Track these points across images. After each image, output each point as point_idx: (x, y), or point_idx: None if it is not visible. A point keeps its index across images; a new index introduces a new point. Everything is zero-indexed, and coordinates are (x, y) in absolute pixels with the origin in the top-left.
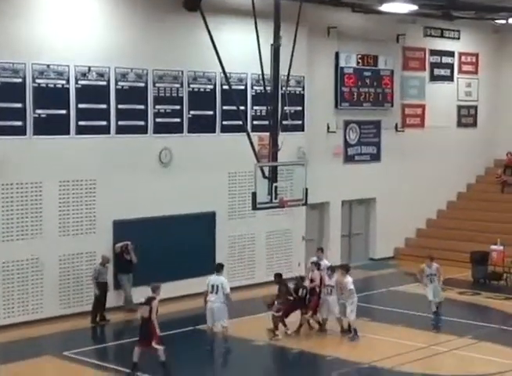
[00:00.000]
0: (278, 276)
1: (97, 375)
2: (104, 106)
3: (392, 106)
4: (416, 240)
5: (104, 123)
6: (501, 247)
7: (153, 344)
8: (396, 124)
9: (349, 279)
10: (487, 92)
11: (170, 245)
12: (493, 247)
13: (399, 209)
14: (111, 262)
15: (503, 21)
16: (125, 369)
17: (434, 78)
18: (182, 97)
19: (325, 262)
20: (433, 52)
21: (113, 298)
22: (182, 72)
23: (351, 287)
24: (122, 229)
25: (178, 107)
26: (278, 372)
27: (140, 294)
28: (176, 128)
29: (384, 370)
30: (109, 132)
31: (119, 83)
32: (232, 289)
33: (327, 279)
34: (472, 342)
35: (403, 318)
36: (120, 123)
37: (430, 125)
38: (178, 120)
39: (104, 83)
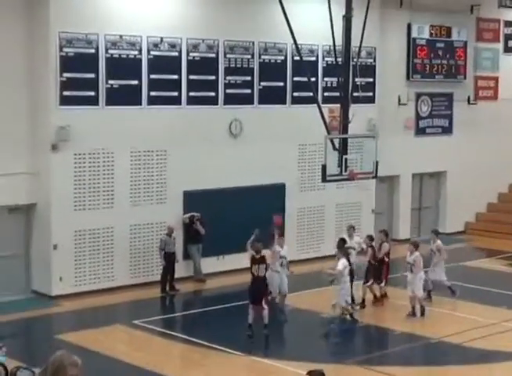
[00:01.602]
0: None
1: (166, 343)
2: (175, 76)
3: (465, 78)
4: (487, 215)
5: (175, 94)
6: None
7: (263, 303)
8: (469, 97)
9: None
10: None
11: (239, 217)
12: None
13: (470, 183)
14: (179, 232)
15: None
16: (194, 338)
17: (508, 50)
18: (253, 68)
19: (357, 239)
20: (508, 23)
21: (182, 268)
22: (253, 43)
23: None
24: (192, 199)
25: (248, 78)
26: (350, 346)
27: (209, 264)
28: (247, 100)
29: (453, 346)
30: (180, 103)
31: (190, 54)
32: (301, 261)
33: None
34: None
35: (474, 293)
36: (191, 94)
37: (504, 98)
38: (248, 91)
39: (176, 54)
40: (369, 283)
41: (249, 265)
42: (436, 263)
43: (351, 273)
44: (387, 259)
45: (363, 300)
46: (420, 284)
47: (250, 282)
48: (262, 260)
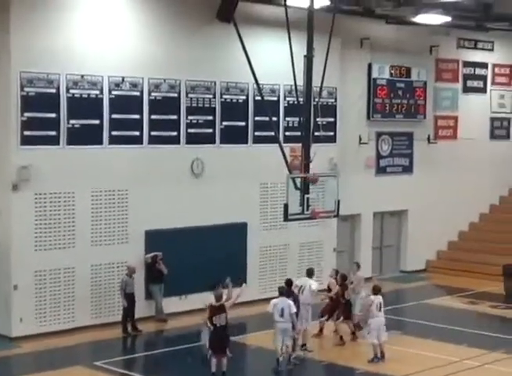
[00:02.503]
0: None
1: None
2: (137, 116)
3: (425, 117)
4: (447, 253)
5: (137, 133)
6: None
7: (228, 352)
8: (429, 136)
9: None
10: None
11: (201, 256)
12: None
13: (431, 221)
14: (141, 272)
15: None
16: None
17: (467, 90)
18: (215, 108)
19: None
20: (466, 64)
21: (144, 308)
22: (215, 83)
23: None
24: (154, 239)
25: (210, 118)
26: None
27: (171, 304)
28: (208, 139)
29: None
30: (141, 143)
31: (152, 93)
32: (263, 300)
33: None
34: (505, 357)
35: (435, 331)
36: (152, 133)
37: (463, 137)
38: (210, 130)
39: (137, 93)
40: (339, 321)
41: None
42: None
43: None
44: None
45: (341, 337)
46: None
47: (212, 332)
48: (222, 309)
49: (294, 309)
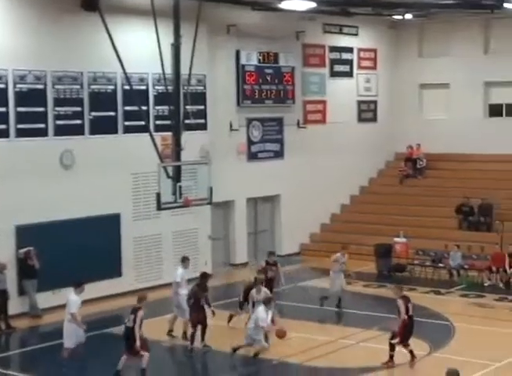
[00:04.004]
0: None
1: None
2: (3, 109)
3: (294, 102)
4: (320, 235)
5: (3, 126)
6: (404, 240)
7: (140, 351)
8: (298, 121)
9: None
10: (386, 87)
11: (75, 249)
12: (396, 239)
13: (304, 205)
14: (13, 268)
15: (400, 17)
16: None
17: (334, 74)
18: (83, 98)
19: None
20: (332, 49)
21: (18, 305)
22: (82, 73)
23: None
24: (25, 234)
25: (78, 109)
26: (184, 370)
27: (45, 299)
28: (77, 130)
29: (293, 366)
30: (8, 136)
31: (17, 85)
32: (140, 290)
33: None
34: (378, 334)
35: (311, 313)
36: (19, 126)
37: (332, 121)
38: (79, 122)
39: (2, 86)
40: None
41: (89, 297)
42: None
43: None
44: None
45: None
46: None
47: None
48: (134, 311)
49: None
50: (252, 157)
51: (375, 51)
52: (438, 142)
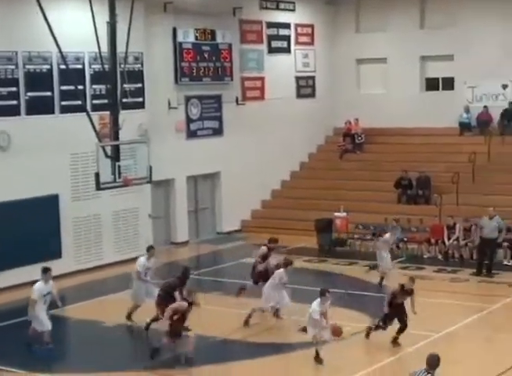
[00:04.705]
0: None
1: None
2: None
3: (232, 79)
4: (261, 212)
5: None
6: (344, 214)
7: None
8: (237, 98)
9: None
10: (323, 63)
11: (13, 231)
12: (337, 214)
13: (244, 182)
14: None
15: None
16: None
17: (271, 51)
18: (18, 78)
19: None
20: (269, 25)
21: None
22: (17, 53)
23: None
24: None
25: (14, 89)
26: (128, 350)
27: None
28: (13, 111)
29: (236, 342)
30: None
31: None
32: (81, 271)
33: None
34: None
35: (254, 290)
36: None
37: (271, 97)
38: (14, 102)
39: None
40: None
41: (28, 280)
42: None
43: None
44: None
45: None
46: None
47: None
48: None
49: None
50: (191, 134)
51: (312, 26)
52: (376, 116)
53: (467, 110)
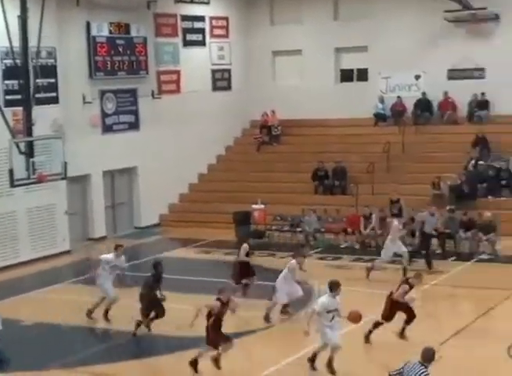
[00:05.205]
0: None
1: None
2: None
3: (147, 73)
4: (179, 206)
5: None
6: (262, 206)
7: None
8: (153, 91)
9: None
10: (239, 55)
11: None
12: (254, 206)
13: (161, 176)
14: None
15: None
16: None
17: (187, 44)
18: None
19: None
20: (184, 18)
21: None
22: None
23: None
24: None
25: None
26: (46, 348)
27: None
28: None
29: (161, 336)
30: None
31: None
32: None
33: None
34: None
35: (176, 283)
36: None
37: (187, 90)
38: None
39: None
40: None
41: None
42: None
43: None
44: None
45: None
46: None
47: None
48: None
49: None
50: (107, 129)
51: (227, 19)
52: (292, 108)
53: (382, 101)
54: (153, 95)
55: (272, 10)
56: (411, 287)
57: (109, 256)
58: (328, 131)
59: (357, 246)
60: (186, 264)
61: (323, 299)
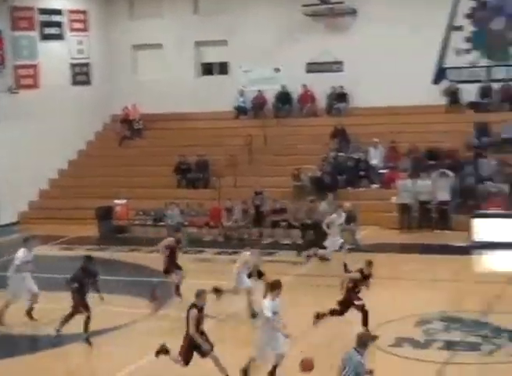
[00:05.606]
0: None
1: None
2: None
3: (4, 67)
4: (39, 202)
5: None
6: (124, 201)
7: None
8: (10, 86)
9: None
10: (99, 49)
11: None
12: (116, 201)
13: (20, 173)
14: None
15: None
16: None
17: (45, 37)
18: None
19: None
20: (42, 11)
21: None
22: None
23: None
24: None
25: None
26: None
27: None
28: None
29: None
30: None
31: None
32: None
33: None
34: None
35: (40, 281)
36: None
37: (45, 85)
38: None
39: None
40: None
41: None
42: None
43: None
44: None
45: None
46: None
47: None
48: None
49: None
50: None
51: (85, 13)
52: (153, 102)
53: (242, 94)
54: (10, 89)
55: (132, 4)
56: (367, 277)
57: (21, 252)
58: (190, 125)
59: (221, 239)
60: (49, 261)
61: (268, 302)
